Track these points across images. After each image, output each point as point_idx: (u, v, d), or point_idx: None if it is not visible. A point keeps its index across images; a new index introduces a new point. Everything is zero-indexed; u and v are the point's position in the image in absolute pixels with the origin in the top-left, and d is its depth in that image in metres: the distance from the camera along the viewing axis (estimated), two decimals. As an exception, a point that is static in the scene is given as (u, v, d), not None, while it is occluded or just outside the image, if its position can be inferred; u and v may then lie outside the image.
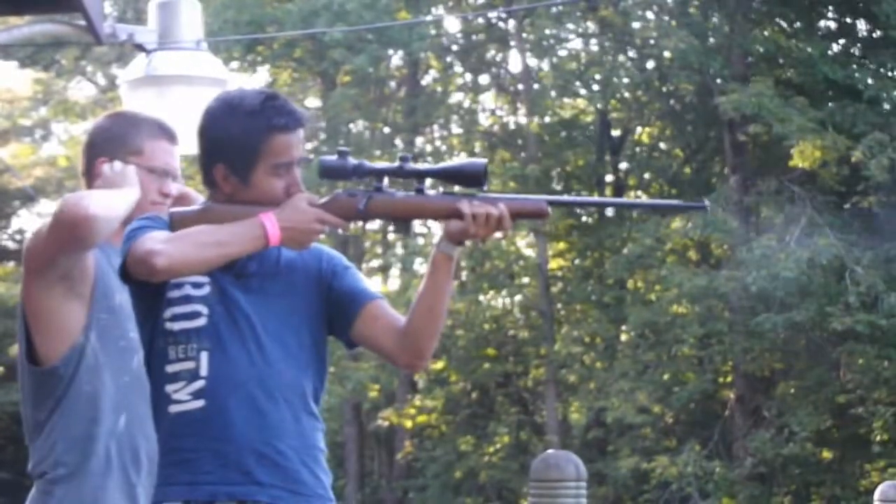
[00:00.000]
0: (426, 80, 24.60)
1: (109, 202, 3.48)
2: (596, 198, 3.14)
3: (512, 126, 24.21)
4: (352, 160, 3.25)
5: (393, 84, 24.36)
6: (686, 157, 23.15)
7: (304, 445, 3.23)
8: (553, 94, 23.16)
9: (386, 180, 3.27)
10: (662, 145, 23.99)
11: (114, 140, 3.72)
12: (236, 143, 3.21)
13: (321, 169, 3.27)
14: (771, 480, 19.56)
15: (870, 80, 19.56)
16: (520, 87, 23.47)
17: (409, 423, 22.58)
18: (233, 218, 3.20)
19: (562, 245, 23.20)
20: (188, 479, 3.18)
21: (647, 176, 23.84)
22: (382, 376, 20.93)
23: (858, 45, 21.30)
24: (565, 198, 3.63)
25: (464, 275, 22.03)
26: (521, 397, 23.35)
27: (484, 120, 24.54)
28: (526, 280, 22.91)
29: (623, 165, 23.88)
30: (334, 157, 3.25)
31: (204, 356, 3.20)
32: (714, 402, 20.89)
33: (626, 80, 22.21)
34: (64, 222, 3.47)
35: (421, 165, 3.29)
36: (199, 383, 3.19)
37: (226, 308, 3.22)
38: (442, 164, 3.29)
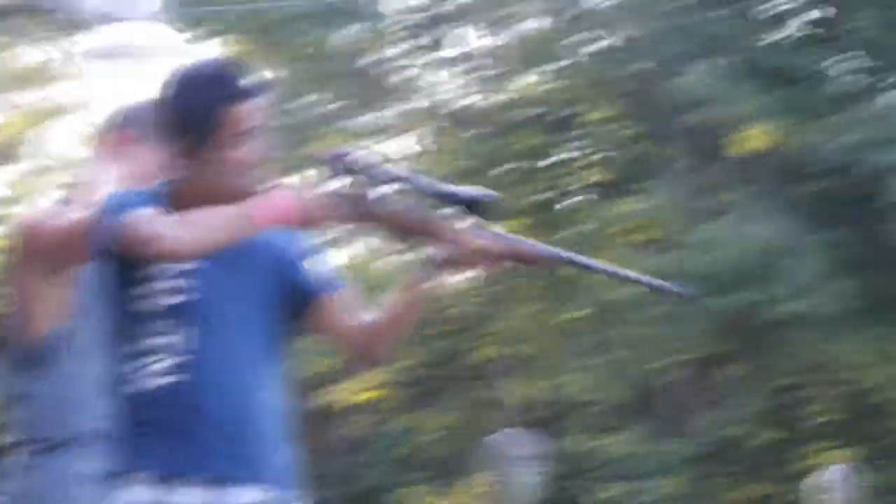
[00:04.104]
0: (376, 56, 24.59)
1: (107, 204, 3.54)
2: (605, 266, 3.06)
3: (463, 105, 24.25)
4: (364, 157, 3.24)
5: (343, 60, 24.32)
6: (635, 138, 23.28)
7: (270, 426, 3.30)
8: (504, 72, 23.22)
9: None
10: (612, 126, 24.11)
11: (145, 124, 3.82)
12: (196, 116, 3.25)
13: (330, 159, 3.24)
14: (715, 461, 19.77)
15: (818, 66, 19.75)
16: (471, 64, 23.52)
17: (356, 399, 22.65)
18: (230, 195, 3.21)
19: (514, 223, 23.31)
20: (154, 451, 3.23)
21: (596, 156, 23.95)
22: (329, 351, 21.01)
23: (808, 29, 21.47)
24: (568, 255, 3.44)
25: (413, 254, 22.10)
26: (470, 374, 23.45)
27: (435, 98, 24.55)
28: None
29: (573, 145, 23.98)
30: (342, 152, 3.24)
31: (179, 333, 3.25)
32: (658, 383, 21.06)
33: (576, 61, 22.30)
34: (80, 249, 3.53)
35: (432, 182, 3.28)
36: (174, 360, 3.24)
37: (201, 286, 3.27)
38: (452, 188, 3.28)
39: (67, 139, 24.77)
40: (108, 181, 3.72)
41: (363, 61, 23.86)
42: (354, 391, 22.48)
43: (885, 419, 18.72)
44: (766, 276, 18.33)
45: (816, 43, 20.27)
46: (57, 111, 24.72)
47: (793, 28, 21.13)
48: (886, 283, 18.71)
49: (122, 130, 3.85)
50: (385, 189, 3.24)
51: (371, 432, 23.24)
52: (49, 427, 3.71)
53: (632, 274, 3.33)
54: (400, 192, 3.25)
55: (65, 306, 3.72)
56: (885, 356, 18.40)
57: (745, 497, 20.06)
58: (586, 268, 3.50)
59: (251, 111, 3.28)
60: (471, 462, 22.14)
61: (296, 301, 3.37)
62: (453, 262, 3.29)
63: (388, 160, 3.26)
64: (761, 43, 20.05)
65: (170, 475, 3.22)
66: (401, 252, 21.16)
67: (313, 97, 23.59)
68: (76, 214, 3.61)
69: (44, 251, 3.66)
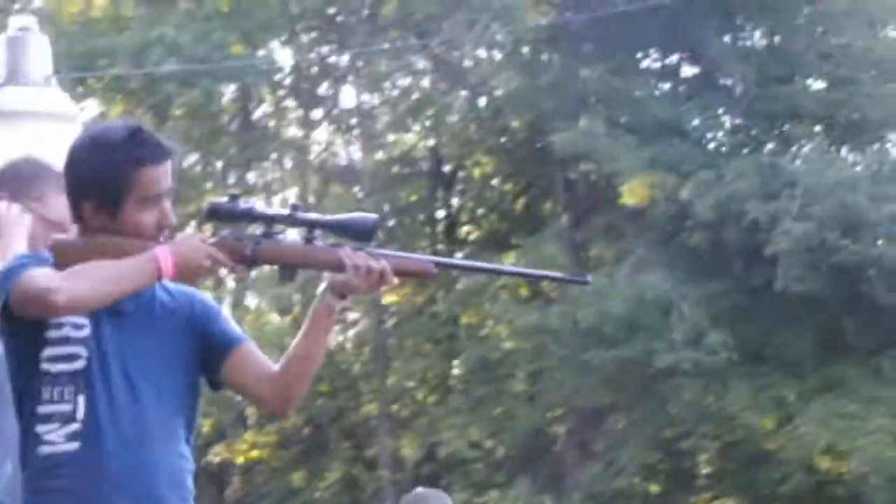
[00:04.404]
0: (259, 114, 24.55)
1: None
2: (482, 263, 3.23)
3: (345, 161, 24.26)
4: (242, 204, 3.26)
5: (226, 118, 24.25)
6: (517, 192, 23.43)
7: (175, 487, 3.24)
8: (385, 129, 23.28)
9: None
10: (494, 181, 24.26)
11: (21, 181, 3.80)
12: (103, 179, 3.21)
13: (209, 210, 3.28)
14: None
15: (696, 121, 20.05)
16: (353, 121, 23.56)
17: (240, 459, 22.44)
18: (119, 250, 3.19)
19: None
20: None
21: (479, 211, 24.07)
22: (214, 411, 20.79)
23: (685, 85, 21.80)
24: (451, 260, 3.60)
25: (296, 309, 22.00)
26: (353, 432, 23.34)
27: (318, 155, 24.54)
28: (359, 315, 22.96)
29: (455, 200, 24.08)
30: (224, 199, 3.27)
31: (80, 399, 3.18)
32: (545, 436, 21.12)
33: (457, 117, 22.44)
34: None
35: (312, 215, 3.30)
36: (74, 426, 3.18)
37: (103, 350, 3.22)
38: (332, 216, 3.32)
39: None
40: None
41: (246, 118, 23.80)
42: (240, 451, 22.27)
43: (768, 468, 18.89)
44: (652, 327, 18.48)
45: (693, 98, 20.56)
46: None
47: (668, 84, 21.47)
48: (767, 332, 18.95)
49: None
50: (271, 228, 3.28)
51: (254, 492, 23.00)
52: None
53: (515, 269, 3.37)
54: (284, 229, 3.29)
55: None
56: (768, 405, 18.61)
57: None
58: (472, 269, 3.60)
59: (159, 175, 3.26)
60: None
61: (207, 356, 3.33)
62: (349, 288, 3.27)
63: (266, 204, 3.25)
64: (638, 97, 20.29)
65: None
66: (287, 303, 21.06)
67: (196, 155, 23.46)
68: None
69: None
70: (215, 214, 3.27)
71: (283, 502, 22.42)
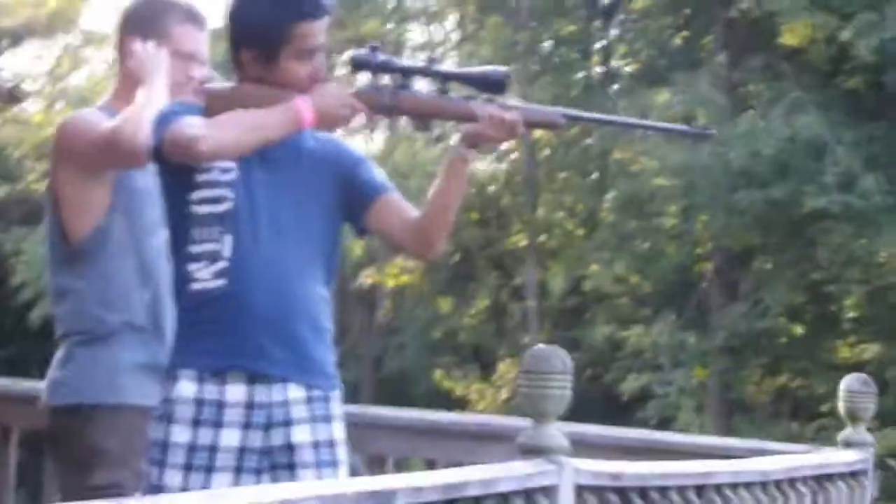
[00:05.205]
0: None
1: (154, 109, 3.65)
2: (611, 116, 3.37)
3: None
4: (380, 55, 3.44)
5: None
6: (677, 28, 23.14)
7: (315, 326, 3.44)
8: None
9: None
10: (653, 15, 23.94)
11: (145, 22, 3.90)
12: (263, 28, 3.37)
13: (350, 61, 3.45)
14: (743, 353, 19.91)
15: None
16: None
17: (390, 282, 22.88)
18: (265, 99, 3.37)
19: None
20: (203, 349, 3.38)
21: (636, 45, 23.83)
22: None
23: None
24: (581, 113, 3.65)
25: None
26: (501, 261, 23.61)
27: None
28: (511, 146, 23.05)
29: (613, 32, 23.86)
30: (364, 51, 3.44)
31: (227, 239, 3.37)
32: (690, 274, 21.15)
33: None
34: (120, 152, 3.66)
35: (446, 68, 3.47)
36: (221, 264, 3.37)
37: (250, 194, 3.40)
38: (466, 70, 3.49)
39: (106, 14, 24.84)
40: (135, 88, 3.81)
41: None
42: (391, 275, 22.68)
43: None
44: (804, 169, 18.30)
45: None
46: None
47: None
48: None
49: (128, 37, 3.92)
50: (408, 79, 3.45)
51: (403, 316, 23.46)
52: (90, 320, 3.85)
53: (644, 122, 3.52)
54: (420, 81, 3.45)
55: (102, 205, 3.84)
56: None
57: (772, 389, 20.23)
58: (600, 122, 3.77)
59: (316, 30, 3.41)
60: (498, 346, 22.39)
61: (353, 203, 3.50)
62: (482, 138, 3.44)
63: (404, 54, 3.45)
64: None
65: (215, 371, 3.36)
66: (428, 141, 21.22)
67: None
68: (111, 122, 3.72)
69: (81, 154, 3.78)
70: (355, 64, 3.44)
71: (431, 327, 22.84)
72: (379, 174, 3.56)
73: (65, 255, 3.87)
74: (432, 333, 22.82)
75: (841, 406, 4.87)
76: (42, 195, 3.96)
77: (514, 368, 21.40)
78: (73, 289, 3.88)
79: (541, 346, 3.46)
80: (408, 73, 3.45)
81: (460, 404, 21.73)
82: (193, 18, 3.96)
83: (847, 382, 4.88)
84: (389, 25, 23.42)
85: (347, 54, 3.48)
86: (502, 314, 23.04)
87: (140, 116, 3.63)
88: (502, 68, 3.47)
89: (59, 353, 3.90)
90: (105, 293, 3.85)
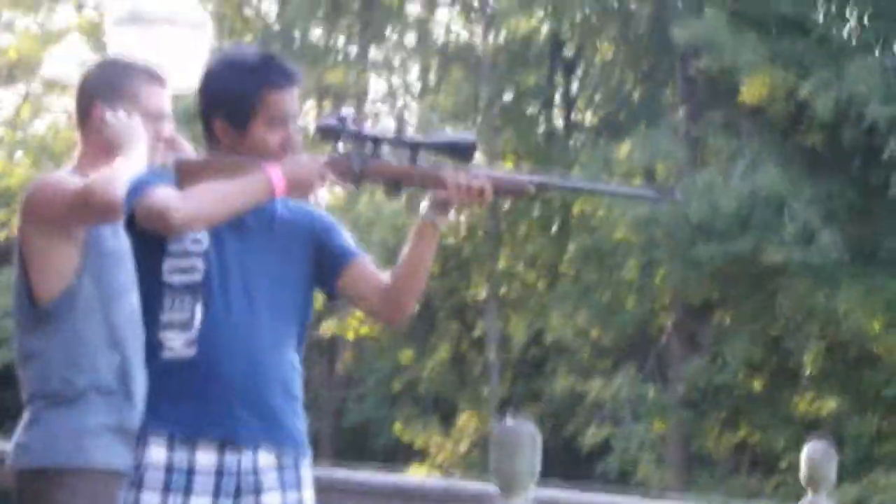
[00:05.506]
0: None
1: (128, 174, 3.65)
2: (580, 182, 3.42)
3: (465, 42, 24.25)
4: (350, 125, 3.47)
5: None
6: (637, 81, 23.30)
7: (286, 394, 3.48)
8: (508, 11, 23.19)
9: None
10: (614, 68, 24.10)
11: (110, 86, 3.84)
12: (235, 98, 3.44)
13: (318, 129, 3.49)
14: (702, 407, 19.97)
15: (820, 18, 19.73)
16: (475, 3, 23.53)
17: (350, 334, 22.84)
18: (237, 168, 3.41)
19: (510, 165, 23.40)
20: (174, 415, 3.41)
21: (597, 97, 23.97)
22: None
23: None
24: (550, 180, 3.66)
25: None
26: (462, 312, 23.63)
27: (439, 35, 24.55)
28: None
29: (574, 86, 24.02)
30: (333, 120, 3.47)
31: (198, 308, 3.42)
32: (651, 327, 21.24)
33: (580, 2, 22.29)
34: (95, 206, 3.64)
35: (415, 136, 3.50)
36: (192, 333, 3.42)
37: (222, 263, 3.45)
38: (434, 138, 3.52)
39: (68, 62, 24.80)
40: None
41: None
42: (351, 326, 22.64)
43: (873, 370, 18.87)
44: (763, 224, 18.41)
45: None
46: (57, 35, 24.78)
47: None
48: (880, 234, 18.80)
49: (93, 105, 3.92)
50: (377, 147, 3.48)
51: (363, 367, 23.42)
52: (57, 383, 3.85)
53: (614, 188, 3.57)
54: (390, 147, 3.48)
55: (72, 267, 3.84)
56: (876, 307, 18.52)
57: (731, 443, 20.27)
58: (570, 189, 3.79)
59: (287, 99, 3.47)
60: (458, 398, 22.36)
61: (323, 270, 3.55)
62: (451, 204, 3.48)
63: (375, 120, 3.49)
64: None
65: (185, 438, 3.40)
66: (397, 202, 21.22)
67: (319, 30, 23.63)
68: (79, 182, 3.73)
69: (53, 211, 3.78)
70: (325, 133, 3.47)
71: (391, 378, 22.81)
72: (349, 239, 3.60)
73: (32, 317, 3.86)
74: (393, 384, 22.80)
75: (803, 473, 4.89)
76: (1, 243, 3.95)
77: (475, 420, 21.40)
78: (39, 351, 3.86)
79: (510, 420, 3.49)
80: (377, 141, 3.49)
81: (420, 456, 21.69)
82: (156, 77, 3.96)
83: (810, 449, 4.90)
84: (352, 75, 23.49)
85: (318, 122, 3.52)
86: (463, 365, 23.04)
87: (116, 173, 3.65)
88: (471, 136, 3.52)
89: (25, 416, 3.88)
90: (73, 355, 3.84)
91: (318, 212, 3.62)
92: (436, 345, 23.09)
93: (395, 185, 3.51)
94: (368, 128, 3.50)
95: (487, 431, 20.98)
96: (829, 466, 4.83)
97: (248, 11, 24.23)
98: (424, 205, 3.53)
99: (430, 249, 3.53)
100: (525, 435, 3.22)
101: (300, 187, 3.43)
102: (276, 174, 3.38)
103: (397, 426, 22.58)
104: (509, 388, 21.59)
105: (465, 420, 21.93)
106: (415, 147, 3.49)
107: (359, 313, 22.76)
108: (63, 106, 25.12)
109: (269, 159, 3.42)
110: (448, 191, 3.45)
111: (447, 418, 22.67)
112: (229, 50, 3.61)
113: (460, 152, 3.49)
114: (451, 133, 3.57)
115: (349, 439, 22.37)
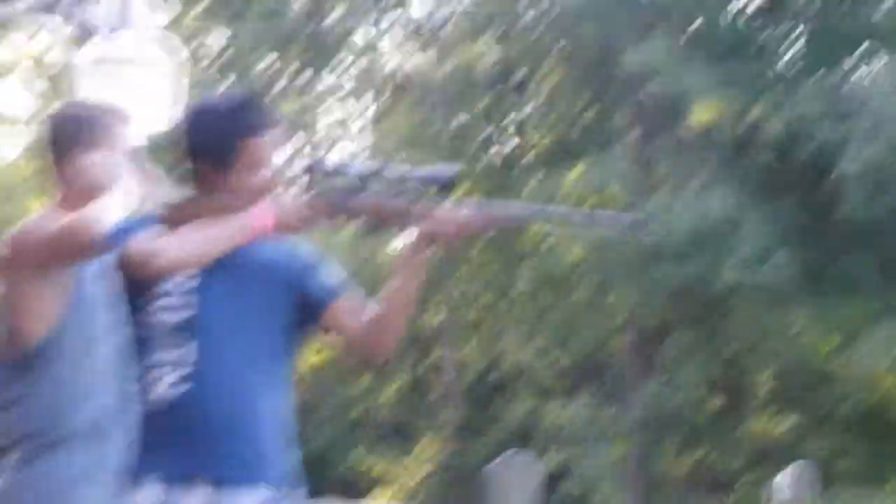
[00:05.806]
0: (330, 20, 24.58)
1: (113, 214, 3.67)
2: (560, 210, 3.40)
3: (414, 70, 24.26)
4: (334, 162, 3.54)
5: (298, 22, 24.31)
6: (586, 104, 23.32)
7: (277, 431, 3.54)
8: (456, 38, 23.25)
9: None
10: (564, 93, 24.14)
11: (86, 132, 3.85)
12: (215, 146, 3.50)
13: (305, 168, 3.54)
14: (659, 428, 20.01)
15: (764, 43, 19.89)
16: (424, 31, 23.58)
17: (308, 361, 22.77)
18: (221, 209, 3.46)
19: (461, 191, 23.40)
20: (168, 455, 3.46)
21: (547, 122, 23.99)
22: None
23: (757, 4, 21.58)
24: (534, 208, 3.69)
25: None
26: (419, 337, 23.60)
27: (387, 63, 24.57)
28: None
29: (524, 109, 24.05)
30: (317, 159, 3.61)
31: (189, 347, 3.48)
32: (607, 348, 21.28)
33: (528, 27, 22.36)
34: (78, 242, 3.66)
35: (398, 171, 3.54)
36: (181, 372, 3.47)
37: (209, 302, 3.50)
38: (417, 171, 3.56)
39: (16, 98, 24.68)
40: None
41: (317, 24, 23.85)
42: (304, 355, 22.57)
43: (827, 389, 18.99)
44: (716, 245, 18.49)
45: (765, 17, 20.38)
46: (7, 69, 24.65)
47: (741, 2, 21.27)
48: (831, 254, 18.94)
49: (68, 151, 3.93)
50: (358, 184, 3.52)
51: (320, 395, 23.33)
52: (43, 426, 3.85)
53: (581, 214, 3.61)
54: (371, 183, 3.52)
55: (54, 308, 3.85)
56: (829, 327, 18.65)
57: (689, 463, 20.33)
58: (551, 217, 3.76)
59: (266, 143, 3.53)
60: (417, 424, 22.30)
61: (305, 310, 3.59)
62: (436, 237, 3.51)
63: (355, 158, 3.54)
64: (711, 17, 20.14)
65: (180, 477, 3.44)
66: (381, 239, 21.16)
67: (269, 59, 23.61)
68: (62, 219, 3.74)
69: (34, 252, 3.78)
70: (310, 171, 3.52)
71: (348, 406, 22.75)
72: (331, 276, 3.64)
73: (11, 365, 3.86)
74: (351, 411, 22.74)
75: (784, 497, 4.96)
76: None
77: (435, 445, 21.37)
78: (18, 399, 3.86)
79: (509, 452, 3.53)
80: (361, 177, 3.54)
81: (380, 482, 21.63)
82: (123, 116, 3.99)
83: (780, 480, 4.96)
84: (304, 101, 23.48)
85: (305, 161, 3.60)
86: (421, 390, 23.02)
87: (98, 212, 3.67)
88: (452, 168, 3.55)
89: (3, 463, 3.89)
90: (53, 402, 3.84)
91: (300, 249, 3.65)
92: (393, 371, 23.05)
93: (380, 219, 3.54)
94: (351, 164, 3.55)
95: (446, 458, 20.98)
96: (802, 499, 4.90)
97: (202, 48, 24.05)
98: (409, 238, 3.57)
99: (417, 282, 3.56)
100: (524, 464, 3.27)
101: (286, 228, 3.48)
102: (261, 215, 3.44)
103: (356, 454, 22.51)
104: (468, 413, 21.59)
105: (425, 445, 21.90)
106: (398, 181, 3.53)
107: (314, 343, 22.74)
108: (14, 141, 24.95)
109: (252, 201, 3.47)
110: (433, 223, 3.50)
111: (407, 444, 22.62)
112: (209, 98, 3.68)
113: (442, 184, 3.53)
114: (433, 166, 3.61)
115: (308, 468, 22.16)
